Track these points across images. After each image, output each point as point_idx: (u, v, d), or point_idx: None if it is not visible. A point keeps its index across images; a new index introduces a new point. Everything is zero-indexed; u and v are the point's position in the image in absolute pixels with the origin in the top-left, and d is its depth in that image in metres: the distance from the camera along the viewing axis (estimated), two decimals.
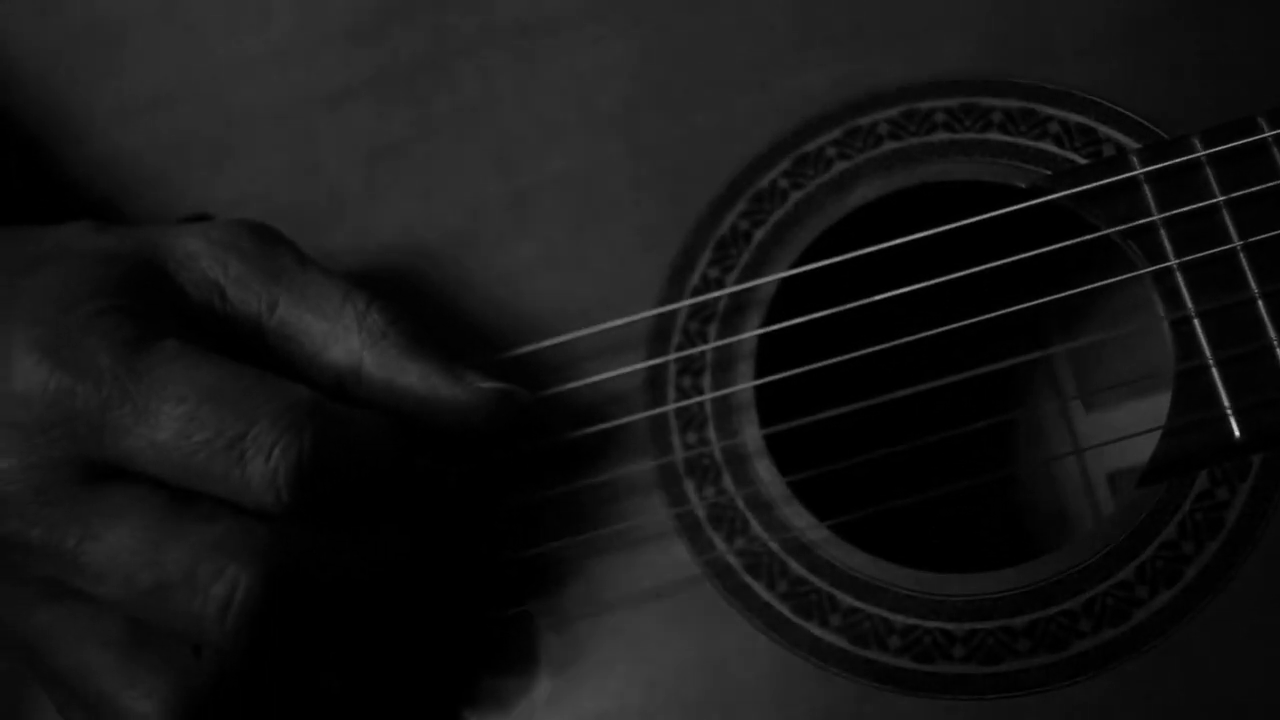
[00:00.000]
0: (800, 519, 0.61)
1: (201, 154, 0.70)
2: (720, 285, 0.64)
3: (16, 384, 0.55)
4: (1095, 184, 0.61)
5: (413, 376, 0.59)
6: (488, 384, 0.60)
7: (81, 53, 0.71)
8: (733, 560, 0.62)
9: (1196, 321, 0.59)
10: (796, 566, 0.61)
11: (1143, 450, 0.61)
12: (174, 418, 0.55)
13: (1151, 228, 0.60)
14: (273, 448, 0.54)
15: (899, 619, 0.60)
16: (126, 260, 0.59)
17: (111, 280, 0.57)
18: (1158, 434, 0.60)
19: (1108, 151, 0.62)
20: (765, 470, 0.62)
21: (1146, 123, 0.62)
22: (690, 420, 0.63)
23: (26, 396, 0.55)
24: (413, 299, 0.66)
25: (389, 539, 0.59)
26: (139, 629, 0.56)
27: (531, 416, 0.62)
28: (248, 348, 0.60)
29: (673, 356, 0.64)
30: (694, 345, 0.64)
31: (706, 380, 0.64)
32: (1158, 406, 0.61)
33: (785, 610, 0.61)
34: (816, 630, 0.60)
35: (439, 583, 0.62)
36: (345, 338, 0.59)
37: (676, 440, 0.63)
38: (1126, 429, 0.66)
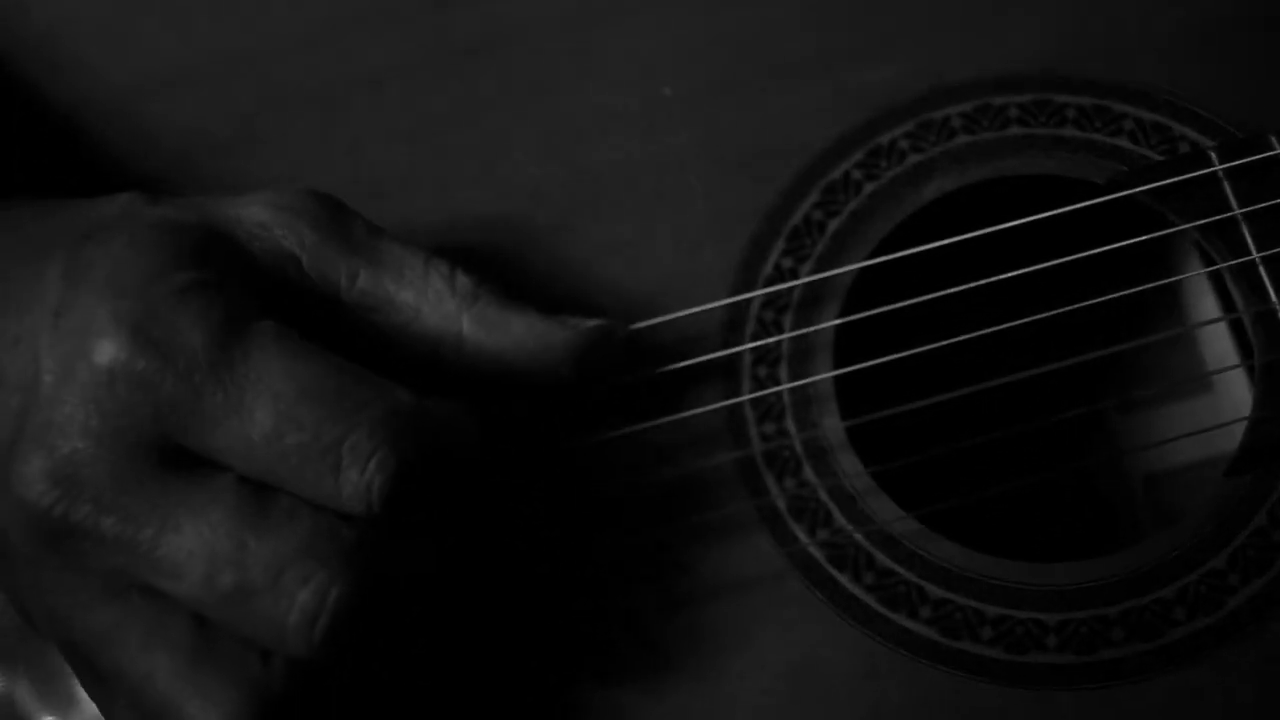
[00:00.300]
0: (886, 510, 0.60)
1: (230, 134, 0.67)
2: (794, 275, 0.63)
3: (101, 359, 0.51)
4: (1175, 179, 0.62)
5: (520, 328, 0.57)
6: (590, 322, 0.59)
7: (104, 29, 0.68)
8: (816, 552, 0.60)
9: None
10: (884, 558, 0.60)
11: (1182, 453, 0.62)
12: (268, 414, 0.51)
13: (1233, 223, 0.61)
14: (369, 458, 0.51)
15: (991, 609, 0.59)
16: (196, 230, 0.55)
17: (188, 251, 0.54)
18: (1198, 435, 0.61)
19: (1183, 149, 0.63)
20: (848, 462, 0.61)
21: (1221, 122, 0.63)
22: (768, 411, 0.62)
23: (113, 374, 0.51)
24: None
25: (466, 538, 0.57)
26: (207, 632, 0.52)
27: (631, 350, 0.60)
28: (322, 321, 0.57)
29: (748, 346, 0.63)
30: (769, 335, 0.63)
31: (783, 370, 0.63)
32: (1195, 409, 0.63)
33: (873, 602, 0.60)
34: (906, 622, 0.59)
35: (508, 582, 0.60)
36: (439, 303, 0.57)
37: (754, 431, 0.62)
38: (1165, 431, 0.67)
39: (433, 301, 0.57)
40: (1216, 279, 0.67)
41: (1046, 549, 0.62)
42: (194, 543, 0.51)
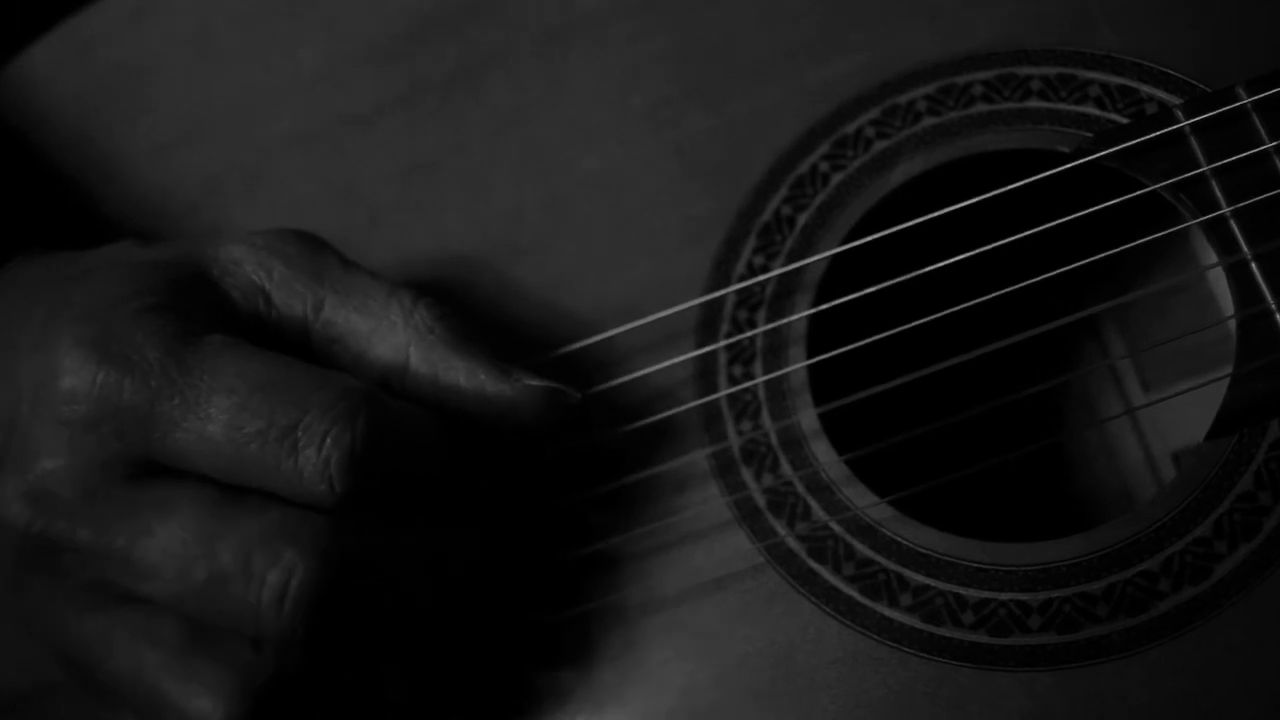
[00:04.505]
0: (862, 498, 0.60)
1: (234, 184, 0.70)
2: (766, 272, 0.63)
3: (64, 380, 0.55)
4: (1140, 140, 0.60)
5: (459, 373, 0.58)
6: (536, 382, 0.59)
7: (111, 93, 0.72)
8: (795, 545, 0.60)
9: (1254, 265, 0.57)
10: (862, 547, 0.60)
11: (1206, 426, 0.60)
12: (224, 409, 0.54)
13: (1202, 178, 0.59)
14: (325, 436, 0.53)
15: (972, 593, 0.58)
16: (172, 266, 0.59)
17: (157, 282, 0.57)
18: (1214, 407, 0.59)
19: (1151, 110, 0.61)
20: (823, 452, 0.61)
21: (1189, 79, 0.61)
22: (744, 408, 0.62)
23: (74, 393, 0.55)
24: (458, 309, 0.65)
25: (443, 537, 0.58)
26: (195, 627, 0.55)
27: (579, 416, 0.60)
28: (297, 352, 0.59)
29: (722, 343, 0.63)
30: (743, 333, 0.63)
31: (758, 367, 0.63)
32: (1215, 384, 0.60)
33: (853, 592, 0.59)
34: (887, 610, 0.59)
35: (494, 583, 0.62)
36: (390, 334, 0.58)
37: (731, 428, 0.62)
38: (1185, 408, 0.65)
39: (384, 332, 0.58)
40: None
41: (1030, 529, 0.61)
42: (165, 542, 0.54)
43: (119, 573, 0.55)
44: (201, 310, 0.57)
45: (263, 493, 0.54)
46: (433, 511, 0.58)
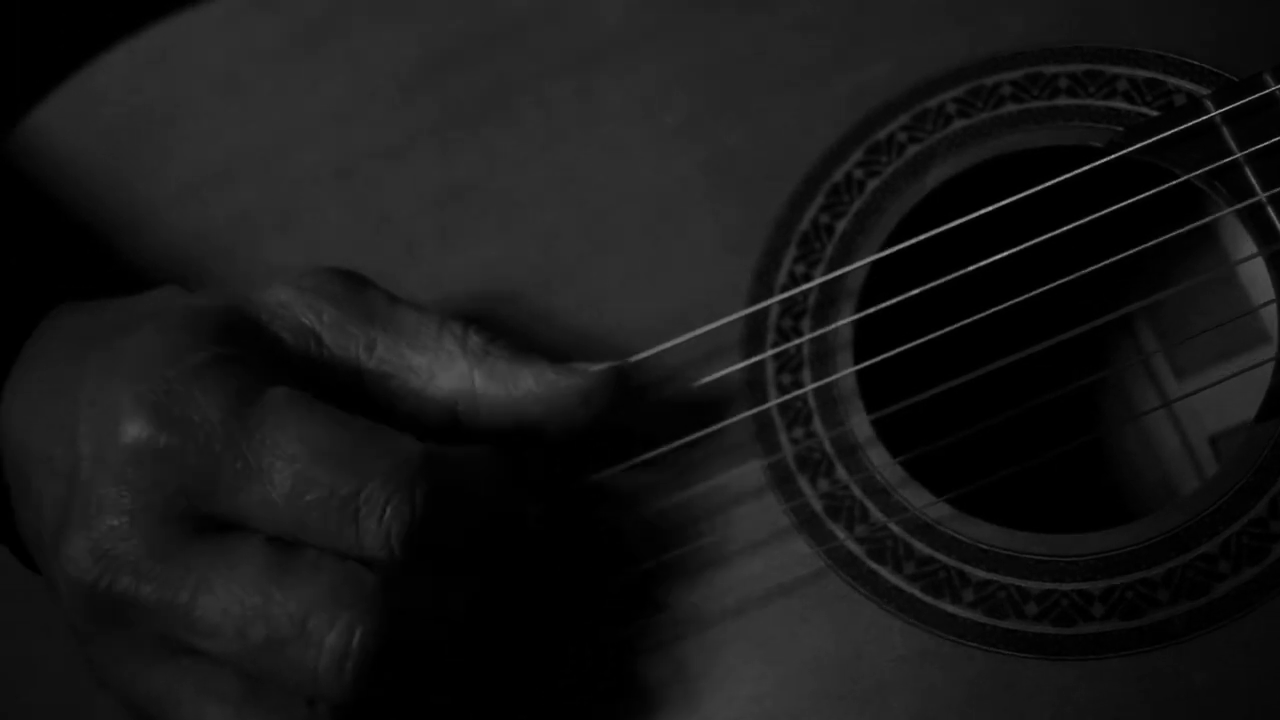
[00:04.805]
0: (919, 498, 0.61)
1: (267, 222, 0.71)
2: (808, 280, 0.64)
3: (126, 440, 0.55)
4: (1171, 132, 0.61)
5: (529, 380, 0.59)
6: (597, 366, 0.60)
7: (136, 137, 0.72)
8: (855, 548, 0.61)
9: None
10: (921, 546, 0.60)
11: (1241, 409, 0.61)
12: (286, 476, 0.54)
13: (1235, 166, 0.60)
14: (385, 505, 0.54)
15: (1033, 585, 0.59)
16: (219, 314, 0.59)
17: (210, 330, 0.58)
18: (1248, 389, 0.60)
19: (1179, 101, 0.62)
20: (877, 456, 0.62)
21: (1215, 69, 0.62)
22: (795, 416, 0.63)
23: (138, 455, 0.55)
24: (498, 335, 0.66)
25: (494, 578, 0.59)
26: (255, 684, 0.56)
27: (635, 386, 0.62)
28: (350, 393, 0.60)
29: (769, 353, 0.64)
30: (789, 341, 0.64)
31: (806, 375, 0.63)
32: (1246, 364, 0.61)
33: (916, 591, 0.60)
34: (950, 607, 0.59)
35: (542, 613, 0.62)
36: (451, 364, 0.59)
37: (784, 437, 0.63)
38: (1220, 393, 0.66)
39: (444, 362, 0.59)
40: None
41: (1077, 522, 0.61)
42: (225, 601, 0.54)
43: (182, 629, 0.55)
44: (256, 356, 0.58)
45: (318, 549, 0.55)
46: (483, 553, 0.59)
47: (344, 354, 0.60)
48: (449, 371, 0.59)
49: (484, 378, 0.59)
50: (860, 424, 0.62)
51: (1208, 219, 0.61)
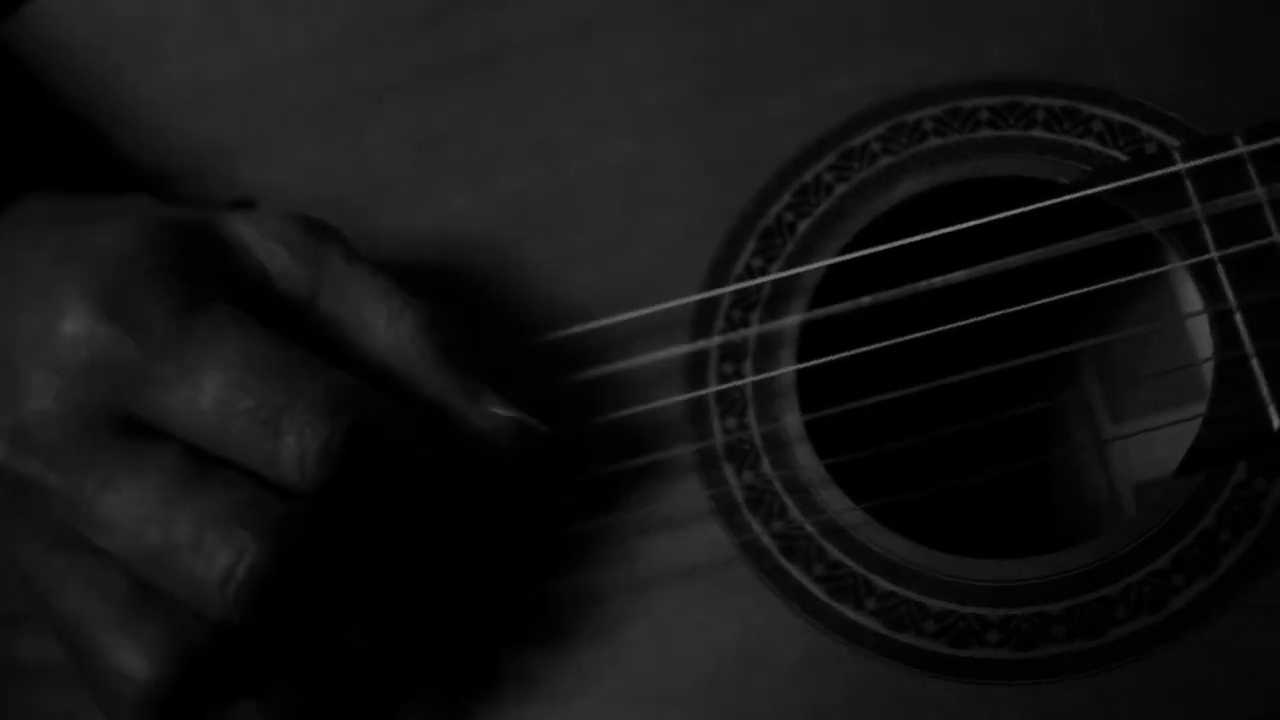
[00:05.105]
0: (838, 502, 0.62)
1: (245, 146, 0.71)
2: (764, 274, 0.65)
3: (66, 328, 0.56)
4: (1137, 179, 0.62)
5: (431, 388, 0.60)
6: (505, 411, 0.60)
7: (129, 43, 0.73)
8: (769, 542, 0.62)
9: (1238, 314, 0.59)
10: (833, 550, 0.61)
11: (1169, 460, 0.62)
12: (217, 382, 0.55)
13: (1193, 222, 0.61)
14: (306, 427, 0.55)
15: (935, 603, 0.60)
16: (185, 228, 0.60)
17: (170, 241, 0.59)
18: (1179, 441, 0.61)
19: (1150, 150, 0.63)
20: (804, 455, 0.62)
21: (1189, 124, 0.63)
22: (731, 405, 0.64)
23: (74, 342, 0.56)
24: (458, 288, 0.67)
25: (409, 545, 0.60)
26: (144, 589, 0.56)
27: (542, 448, 0.61)
28: (292, 333, 0.60)
29: (716, 341, 0.64)
30: (736, 331, 0.65)
31: (748, 366, 0.64)
32: (1179, 417, 0.62)
33: (821, 593, 0.61)
34: (852, 614, 0.60)
35: (458, 566, 0.63)
36: (375, 337, 0.60)
37: (716, 424, 0.64)
38: (1152, 441, 0.67)
39: (371, 334, 0.59)
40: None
41: (1007, 547, 0.62)
42: (128, 501, 0.55)
43: (83, 522, 0.56)
44: (210, 278, 0.58)
45: (237, 468, 0.56)
46: (403, 514, 0.60)
47: (292, 295, 0.60)
48: (372, 343, 0.60)
49: (398, 363, 0.59)
50: (793, 421, 0.63)
51: (1159, 270, 0.61)
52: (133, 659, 0.55)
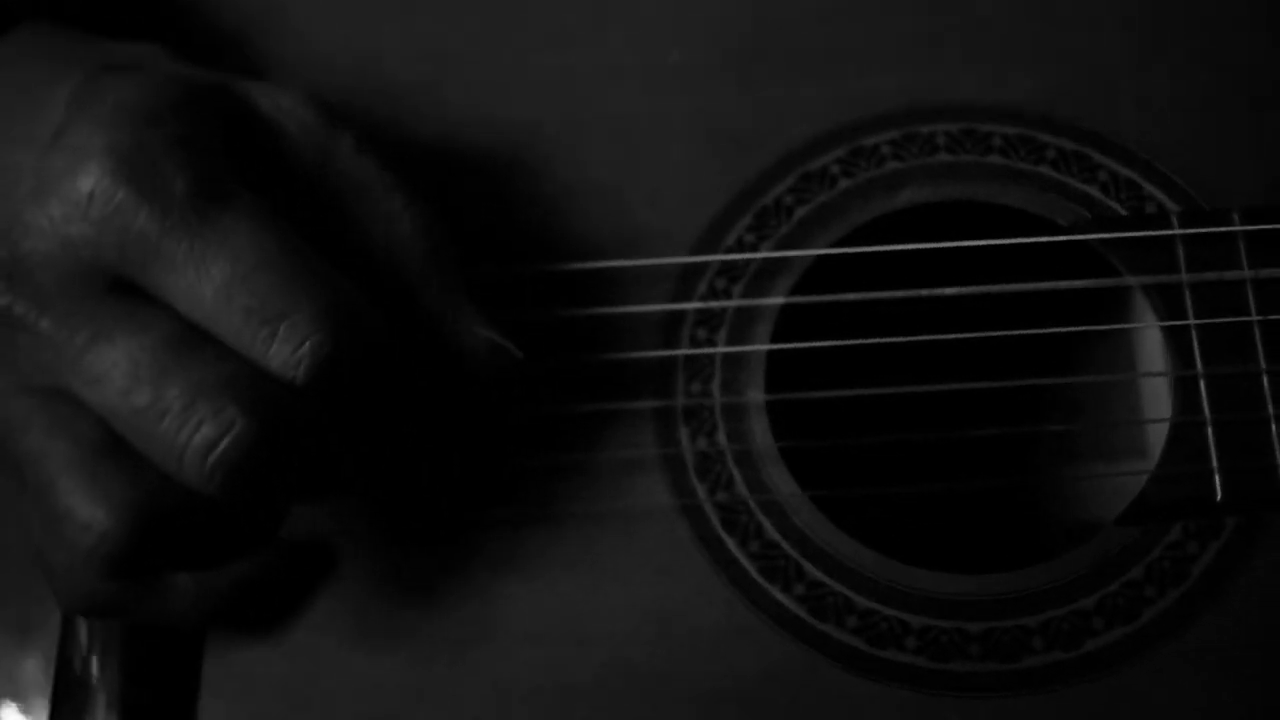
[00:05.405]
0: (785, 485, 0.62)
1: (257, 26, 0.70)
2: (755, 250, 0.66)
3: (83, 184, 0.54)
4: (1133, 234, 0.63)
5: (420, 292, 0.59)
6: (485, 331, 0.60)
7: None
8: (710, 511, 0.62)
9: (1202, 381, 0.61)
10: (771, 530, 0.62)
11: (1109, 510, 0.64)
12: (224, 273, 0.54)
13: (1177, 285, 0.63)
14: (305, 340, 0.54)
15: (861, 601, 0.61)
16: (208, 95, 0.58)
17: (194, 109, 0.57)
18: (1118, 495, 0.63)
19: (1149, 209, 0.64)
20: (760, 430, 0.63)
21: (1192, 192, 0.64)
22: (698, 371, 0.64)
23: (90, 198, 0.54)
24: (453, 206, 0.65)
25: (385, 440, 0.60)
26: (116, 443, 0.55)
27: (513, 375, 0.61)
28: (297, 207, 0.59)
29: (695, 305, 0.65)
30: (717, 299, 0.65)
31: (722, 335, 0.65)
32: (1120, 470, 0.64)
33: (753, 569, 0.62)
34: (779, 595, 0.61)
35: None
36: (374, 234, 0.59)
37: (680, 386, 0.64)
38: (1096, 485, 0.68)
39: (370, 231, 0.59)
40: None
41: (974, 556, 0.64)
42: (121, 355, 0.54)
43: (67, 368, 0.55)
44: (226, 154, 0.57)
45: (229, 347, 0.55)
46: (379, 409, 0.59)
47: (300, 170, 0.59)
48: (371, 239, 0.59)
49: (391, 264, 0.59)
50: (755, 397, 0.64)
51: (1137, 325, 0.63)
52: (95, 510, 0.54)
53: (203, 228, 0.54)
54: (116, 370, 0.54)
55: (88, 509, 0.54)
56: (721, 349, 0.64)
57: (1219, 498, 0.60)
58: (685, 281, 0.65)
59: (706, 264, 0.65)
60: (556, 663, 0.61)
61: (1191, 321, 0.62)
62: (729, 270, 0.65)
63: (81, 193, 0.54)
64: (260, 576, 0.61)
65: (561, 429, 0.64)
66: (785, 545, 0.62)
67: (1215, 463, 0.61)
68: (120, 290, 0.55)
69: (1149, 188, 0.65)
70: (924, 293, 0.63)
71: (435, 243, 0.60)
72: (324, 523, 0.63)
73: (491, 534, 0.63)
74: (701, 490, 0.63)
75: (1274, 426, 0.61)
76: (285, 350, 0.54)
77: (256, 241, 0.55)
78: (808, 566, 0.62)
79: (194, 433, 0.53)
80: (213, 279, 0.54)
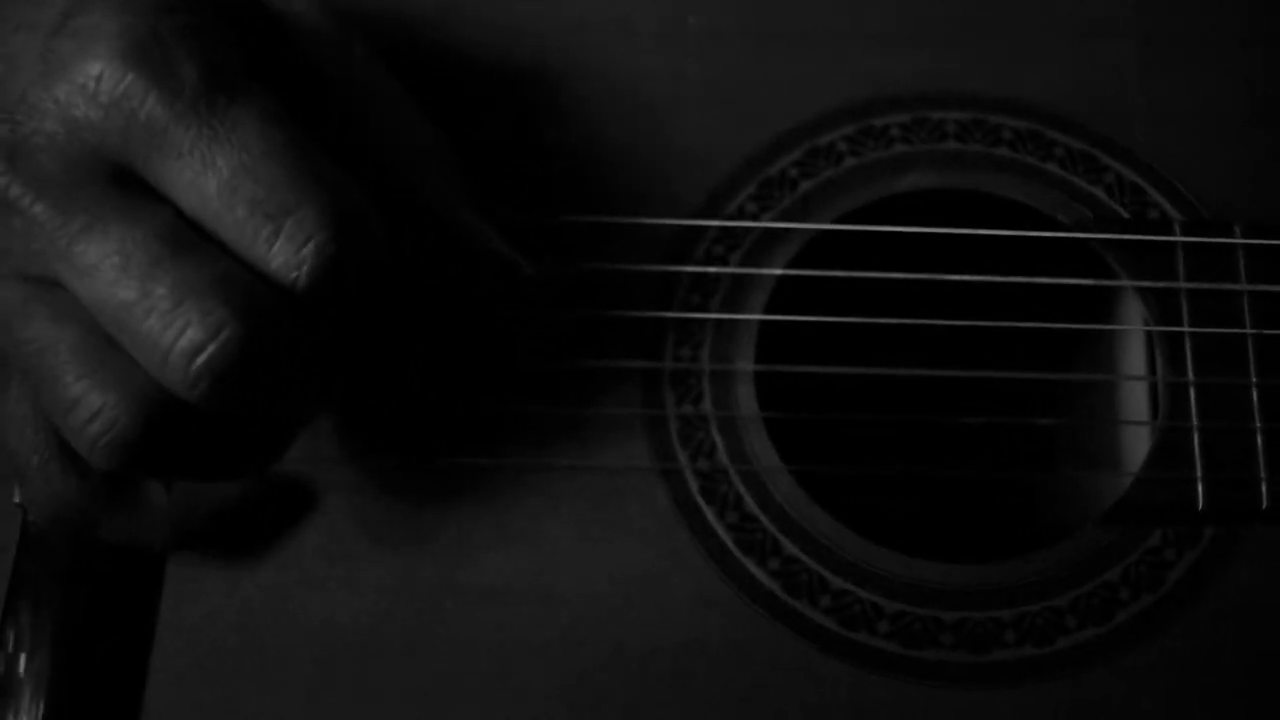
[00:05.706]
0: (766, 457, 0.62)
1: None
2: (756, 220, 0.65)
3: (92, 66, 0.52)
4: (1135, 238, 0.63)
5: (431, 206, 0.58)
6: (500, 247, 0.60)
7: None
8: (690, 478, 0.62)
9: (1193, 389, 0.62)
10: (751, 502, 0.61)
11: (1091, 509, 0.64)
12: (230, 164, 0.52)
13: (1174, 293, 0.63)
14: (309, 239, 0.52)
15: (835, 581, 0.60)
16: None
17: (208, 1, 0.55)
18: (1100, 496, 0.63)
19: (1153, 215, 0.64)
20: (745, 398, 0.63)
21: (1196, 203, 0.64)
22: (689, 336, 0.63)
23: (98, 80, 0.52)
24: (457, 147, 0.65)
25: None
26: (101, 338, 0.53)
27: (522, 291, 0.61)
28: (305, 108, 0.57)
29: (691, 269, 0.64)
30: (713, 265, 0.64)
31: (715, 303, 0.64)
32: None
33: (729, 541, 0.61)
34: (754, 568, 0.60)
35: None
36: (384, 142, 0.58)
37: (669, 350, 0.63)
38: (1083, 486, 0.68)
39: (392, 144, 0.58)
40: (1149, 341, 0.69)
41: (945, 550, 0.63)
42: (114, 248, 0.52)
43: (56, 257, 0.53)
44: (238, 45, 0.55)
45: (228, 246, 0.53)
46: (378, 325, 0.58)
47: (309, 76, 0.58)
48: (392, 153, 0.58)
49: (404, 171, 0.58)
50: (744, 366, 0.63)
51: (1131, 328, 0.63)
52: (104, 394, 0.52)
53: (211, 117, 0.52)
54: (106, 263, 0.52)
55: (98, 395, 0.53)
56: (714, 315, 0.64)
57: (1201, 506, 0.60)
58: (683, 245, 0.65)
59: (705, 229, 0.65)
60: (522, 620, 0.60)
61: (1186, 329, 0.62)
62: (728, 237, 0.65)
63: (90, 75, 0.52)
64: (239, 509, 0.60)
65: (549, 383, 0.63)
66: (763, 519, 0.61)
67: (1199, 471, 0.61)
68: (123, 183, 0.53)
69: (1154, 194, 0.65)
70: (922, 277, 0.63)
71: (445, 155, 0.59)
72: (293, 462, 0.62)
73: (466, 482, 0.62)
74: (683, 456, 0.62)
75: (1260, 439, 0.61)
76: (289, 249, 0.52)
77: (265, 135, 0.53)
78: (784, 542, 0.61)
79: (180, 334, 0.51)
80: (219, 170, 0.52)
